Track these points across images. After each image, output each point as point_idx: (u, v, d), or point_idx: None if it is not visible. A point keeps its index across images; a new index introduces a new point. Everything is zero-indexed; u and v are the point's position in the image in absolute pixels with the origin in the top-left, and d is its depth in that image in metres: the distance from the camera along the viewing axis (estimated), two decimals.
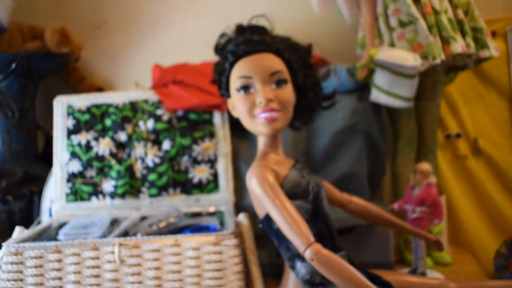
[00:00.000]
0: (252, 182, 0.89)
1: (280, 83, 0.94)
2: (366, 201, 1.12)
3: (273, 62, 0.94)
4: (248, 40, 0.95)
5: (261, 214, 0.94)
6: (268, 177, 0.88)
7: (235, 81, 0.95)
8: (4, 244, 0.99)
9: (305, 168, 1.01)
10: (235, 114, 1.00)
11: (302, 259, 0.87)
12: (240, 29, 1.01)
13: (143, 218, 1.23)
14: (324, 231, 0.93)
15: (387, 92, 1.24)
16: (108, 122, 1.36)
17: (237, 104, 0.96)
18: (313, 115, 1.06)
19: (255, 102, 0.92)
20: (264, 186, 0.86)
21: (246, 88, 0.93)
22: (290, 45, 1.00)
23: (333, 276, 0.79)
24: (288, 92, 0.95)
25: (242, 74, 0.93)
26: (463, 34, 1.26)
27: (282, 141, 1.01)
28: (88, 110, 1.37)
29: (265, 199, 0.86)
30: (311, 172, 1.02)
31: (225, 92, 1.02)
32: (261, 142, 0.99)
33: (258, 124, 0.93)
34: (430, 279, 0.98)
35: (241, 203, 1.30)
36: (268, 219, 0.92)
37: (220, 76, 1.01)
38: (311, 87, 1.01)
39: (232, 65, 0.96)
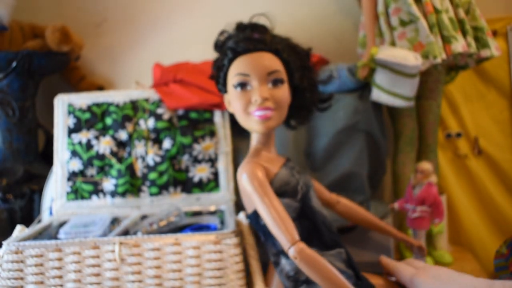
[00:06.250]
0: (243, 178, 0.91)
1: (276, 82, 0.95)
2: (355, 203, 1.15)
3: (271, 61, 0.95)
4: (248, 38, 0.96)
5: (249, 209, 0.96)
6: (258, 174, 0.89)
7: (232, 78, 0.96)
8: (4, 243, 0.98)
9: (296, 166, 1.03)
10: (231, 109, 1.02)
11: (287, 255, 0.88)
12: (240, 26, 1.02)
13: (144, 217, 1.23)
14: (311, 230, 0.94)
15: (388, 91, 1.24)
16: (108, 120, 1.36)
17: (233, 100, 0.97)
18: (308, 115, 1.07)
19: (250, 99, 0.94)
20: (254, 182, 0.88)
21: (243, 85, 0.94)
22: (289, 46, 1.01)
23: (315, 276, 0.81)
24: (284, 92, 0.96)
25: (240, 71, 0.94)
26: (464, 34, 1.26)
27: (274, 139, 1.02)
28: (89, 108, 1.37)
29: (254, 195, 0.88)
30: (302, 171, 1.04)
31: (222, 87, 1.03)
32: (254, 139, 1.01)
33: (252, 122, 0.95)
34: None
35: (242, 202, 1.30)
36: (255, 214, 0.94)
37: (218, 71, 1.02)
38: (307, 88, 1.02)
39: (230, 61, 0.98)
